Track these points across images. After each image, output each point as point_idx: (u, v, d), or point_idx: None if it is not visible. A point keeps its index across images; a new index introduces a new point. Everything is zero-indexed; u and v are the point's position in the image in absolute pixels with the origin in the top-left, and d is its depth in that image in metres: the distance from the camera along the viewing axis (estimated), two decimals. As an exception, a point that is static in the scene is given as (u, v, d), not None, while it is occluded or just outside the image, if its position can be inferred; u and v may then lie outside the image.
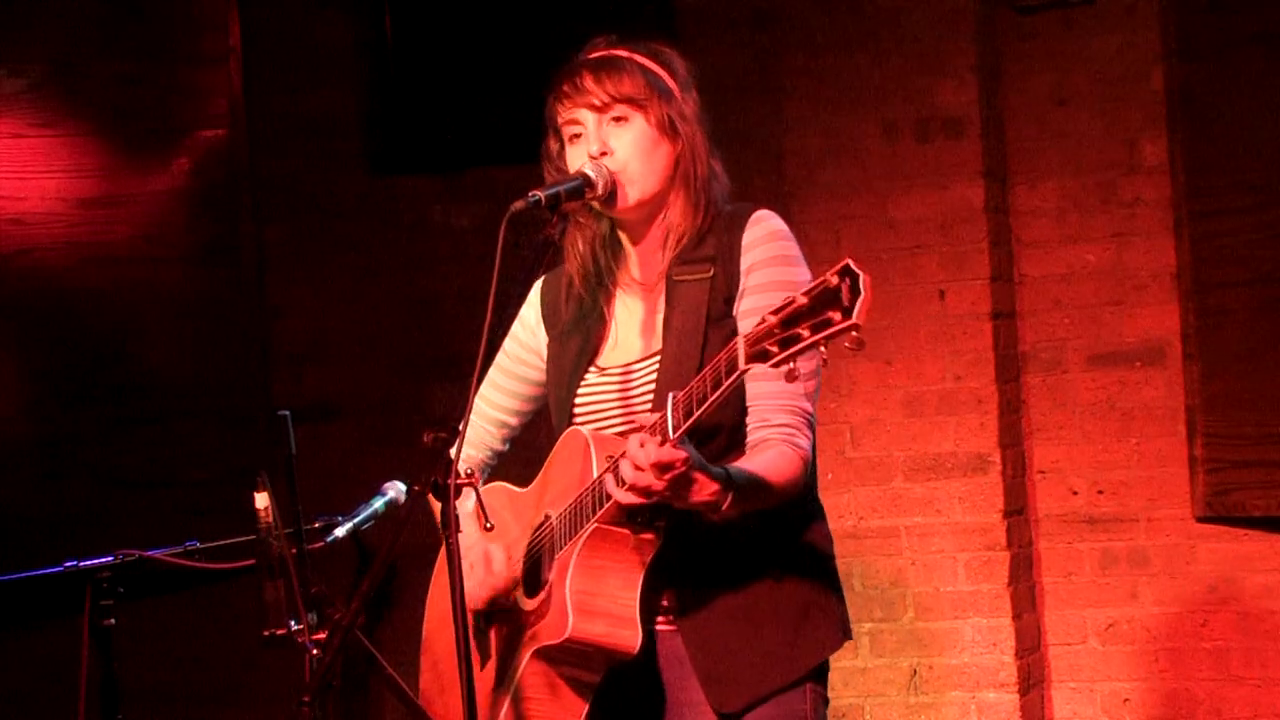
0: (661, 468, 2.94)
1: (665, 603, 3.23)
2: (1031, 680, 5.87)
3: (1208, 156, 5.68)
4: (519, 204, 3.14)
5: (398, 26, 6.57)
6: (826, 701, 3.32)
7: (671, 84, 3.30)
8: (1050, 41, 5.87)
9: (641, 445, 2.94)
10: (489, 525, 3.20)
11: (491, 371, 3.51)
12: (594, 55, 3.33)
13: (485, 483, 3.56)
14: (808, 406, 3.19)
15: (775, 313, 2.78)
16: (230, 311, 6.51)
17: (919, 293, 5.87)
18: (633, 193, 3.26)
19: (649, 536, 3.15)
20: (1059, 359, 5.91)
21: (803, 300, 2.75)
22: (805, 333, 2.74)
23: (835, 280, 2.72)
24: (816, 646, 3.28)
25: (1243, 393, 5.66)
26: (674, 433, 2.92)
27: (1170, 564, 5.82)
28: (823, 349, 2.74)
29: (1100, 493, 5.88)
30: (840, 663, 3.41)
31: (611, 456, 3.06)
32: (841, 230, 5.92)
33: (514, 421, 3.57)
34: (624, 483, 3.00)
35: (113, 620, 4.16)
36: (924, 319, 5.87)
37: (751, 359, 2.79)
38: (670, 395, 2.94)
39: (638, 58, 3.30)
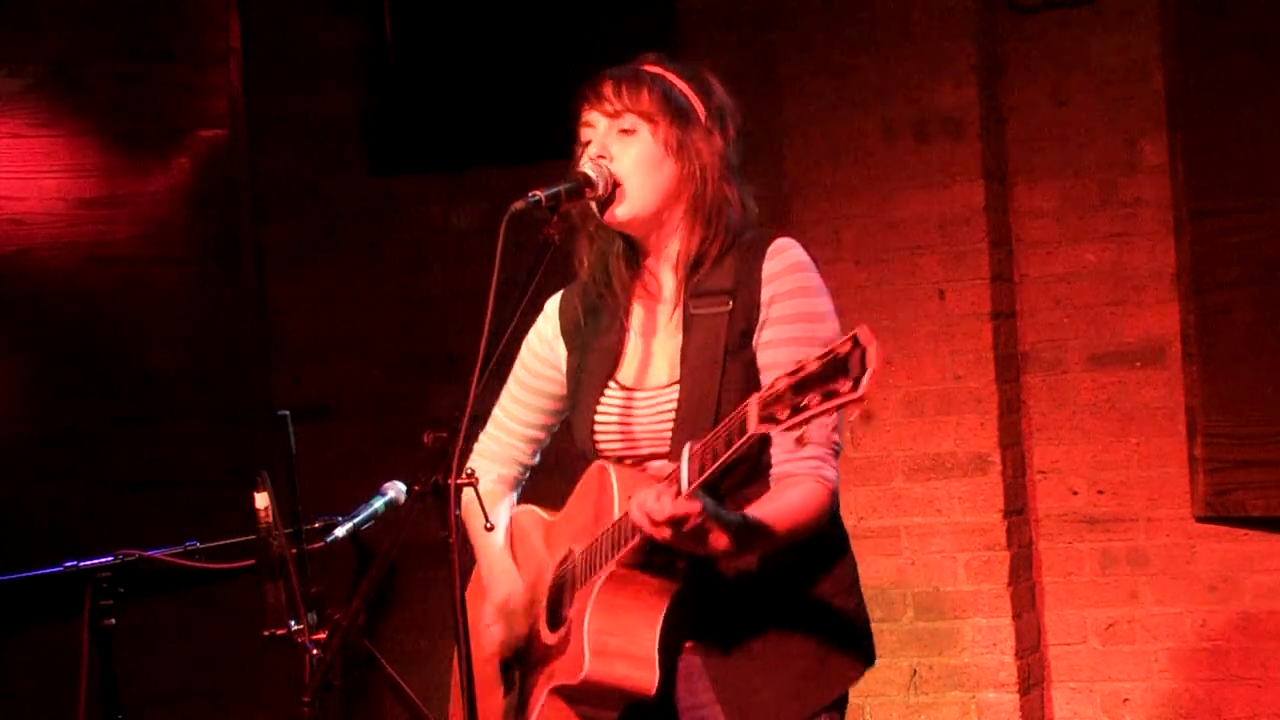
0: (676, 521, 2.95)
1: (689, 634, 3.22)
2: (1031, 680, 5.87)
3: (1208, 156, 5.68)
4: (519, 204, 3.13)
5: (398, 26, 6.57)
6: None
7: (699, 108, 3.29)
8: (1050, 41, 5.87)
9: (658, 498, 2.95)
10: (489, 526, 3.21)
11: (512, 387, 3.52)
12: (627, 66, 3.33)
13: (518, 501, 3.58)
14: (835, 438, 3.19)
15: (789, 375, 2.78)
16: (230, 311, 6.51)
17: (919, 293, 5.87)
18: (624, 207, 3.25)
19: (668, 579, 3.15)
20: (1059, 359, 5.91)
21: (814, 366, 2.75)
22: (815, 400, 2.74)
23: (845, 349, 2.72)
24: (839, 678, 3.30)
25: (1243, 393, 5.66)
26: (688, 486, 2.92)
27: (1170, 564, 5.82)
28: (832, 417, 2.76)
29: (1100, 493, 5.88)
30: (840, 663, 3.40)
31: (658, 476, 3.08)
32: (841, 230, 5.92)
33: (541, 435, 3.56)
34: (639, 531, 3.02)
35: (113, 620, 4.15)
36: (924, 319, 5.87)
37: (763, 421, 2.80)
38: (687, 447, 2.94)
39: (669, 76, 3.30)
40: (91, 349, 6.50)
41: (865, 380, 2.68)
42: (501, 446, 3.56)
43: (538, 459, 3.60)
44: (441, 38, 6.52)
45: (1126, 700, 5.87)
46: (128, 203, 6.49)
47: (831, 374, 2.73)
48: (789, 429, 2.77)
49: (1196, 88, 5.69)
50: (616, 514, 3.14)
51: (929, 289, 5.87)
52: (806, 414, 2.75)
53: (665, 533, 2.96)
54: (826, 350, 2.75)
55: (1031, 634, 5.89)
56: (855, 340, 2.71)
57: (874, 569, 5.90)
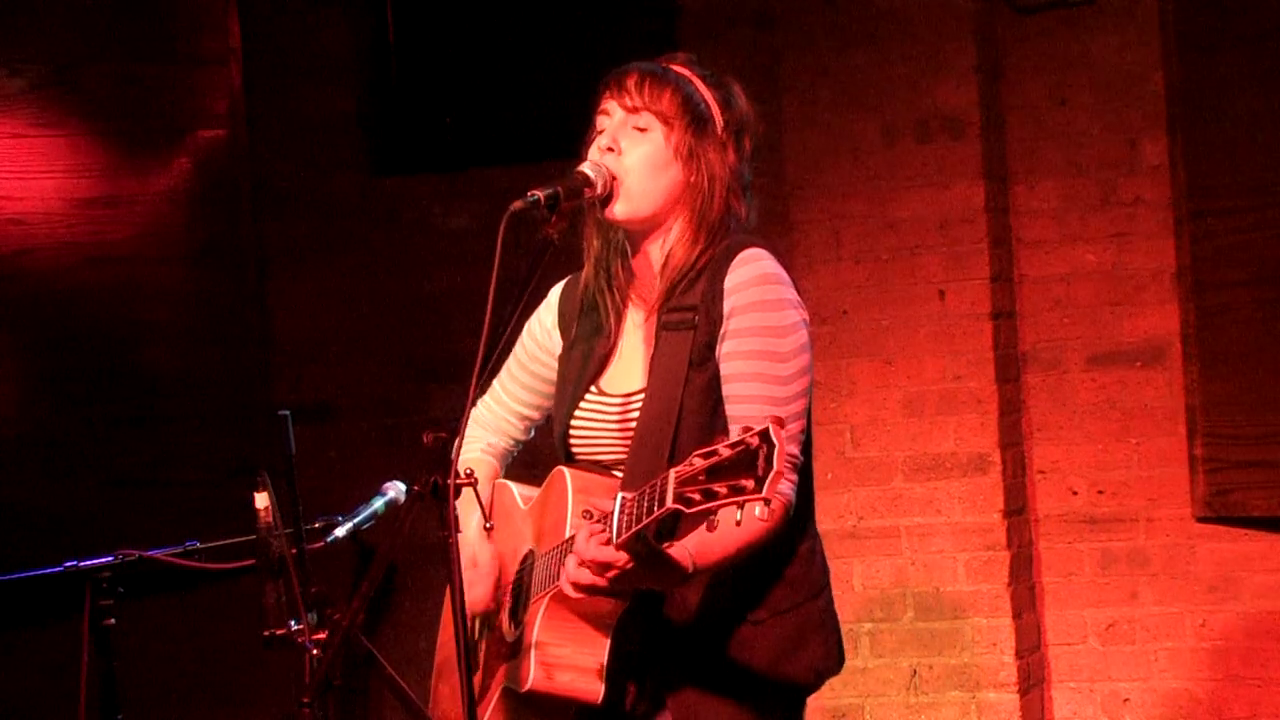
0: (604, 566, 2.97)
1: (641, 651, 3.23)
2: (1031, 680, 5.87)
3: (1208, 156, 5.68)
4: (518, 204, 3.13)
5: (399, 26, 6.58)
6: None
7: (717, 118, 3.27)
8: (1050, 41, 5.87)
9: (588, 539, 2.97)
10: (488, 525, 3.21)
11: (511, 364, 3.54)
12: (656, 62, 3.32)
13: (503, 474, 3.60)
14: (793, 451, 3.15)
15: (704, 456, 2.77)
16: (230, 312, 6.52)
17: (919, 293, 5.87)
18: (622, 205, 3.24)
19: (616, 599, 3.14)
20: (1059, 359, 5.91)
21: (726, 453, 2.75)
22: (722, 490, 2.74)
23: (755, 443, 2.72)
24: (790, 688, 3.27)
25: (1243, 393, 5.66)
26: (617, 538, 2.93)
27: (1170, 564, 5.82)
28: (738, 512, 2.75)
29: (1100, 493, 5.88)
30: (840, 663, 3.40)
31: (589, 511, 3.07)
32: (841, 230, 5.92)
33: (535, 415, 3.58)
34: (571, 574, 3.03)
35: (113, 620, 4.15)
36: (924, 319, 5.87)
37: (677, 500, 2.79)
38: (619, 496, 2.94)
39: (696, 81, 3.28)
40: (91, 349, 6.49)
41: (769, 480, 2.69)
42: (495, 417, 3.58)
43: (531, 434, 3.61)
44: (442, 38, 6.53)
45: (1126, 700, 5.87)
46: (128, 203, 6.49)
47: (740, 466, 2.73)
48: (698, 513, 2.77)
49: (1196, 88, 5.69)
50: (567, 531, 3.15)
51: (929, 289, 5.87)
52: (714, 503, 2.75)
53: (592, 578, 2.98)
54: (738, 440, 2.75)
55: (1031, 634, 5.90)
56: (764, 435, 2.71)
57: (874, 569, 5.91)
